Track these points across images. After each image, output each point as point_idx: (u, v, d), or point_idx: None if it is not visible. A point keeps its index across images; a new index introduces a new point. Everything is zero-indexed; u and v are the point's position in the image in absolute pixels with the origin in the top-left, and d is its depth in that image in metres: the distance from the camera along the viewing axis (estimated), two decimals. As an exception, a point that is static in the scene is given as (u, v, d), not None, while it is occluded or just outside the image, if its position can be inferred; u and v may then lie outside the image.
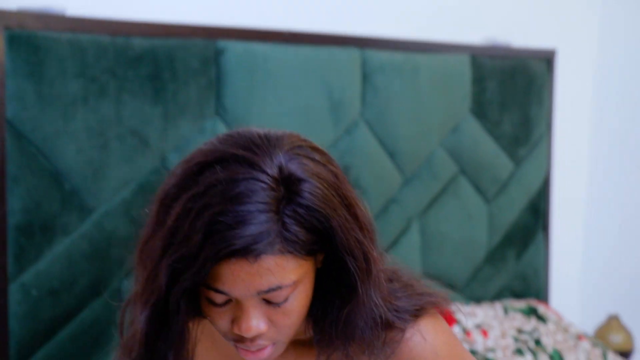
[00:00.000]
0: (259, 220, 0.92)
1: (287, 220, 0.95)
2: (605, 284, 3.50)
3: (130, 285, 1.07)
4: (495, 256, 2.99)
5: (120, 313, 1.10)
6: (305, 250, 0.98)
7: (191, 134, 2.02)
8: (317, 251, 1.01)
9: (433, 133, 2.68)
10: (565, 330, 2.90)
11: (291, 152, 0.99)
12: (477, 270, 2.93)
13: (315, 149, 1.02)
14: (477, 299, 2.92)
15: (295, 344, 1.14)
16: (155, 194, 1.05)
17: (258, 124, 2.15)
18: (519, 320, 2.84)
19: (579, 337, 2.90)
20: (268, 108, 2.18)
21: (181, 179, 0.98)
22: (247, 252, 0.92)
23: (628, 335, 3.21)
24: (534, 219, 3.16)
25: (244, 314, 0.98)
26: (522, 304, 2.93)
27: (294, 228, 0.95)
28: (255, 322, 0.98)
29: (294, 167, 0.97)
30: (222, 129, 2.08)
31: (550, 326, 2.86)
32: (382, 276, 1.08)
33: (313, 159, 1.00)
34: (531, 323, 2.83)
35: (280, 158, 0.97)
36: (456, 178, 2.78)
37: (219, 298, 0.98)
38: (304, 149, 1.01)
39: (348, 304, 1.03)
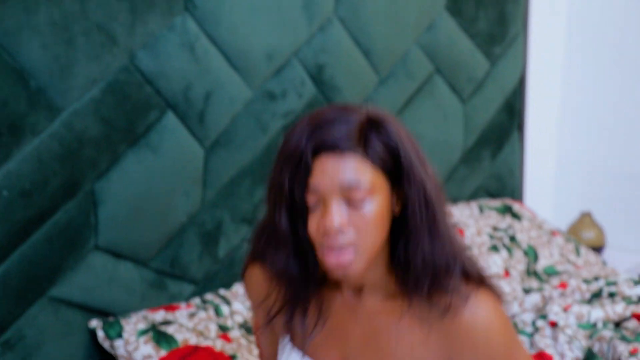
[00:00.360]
0: (347, 130, 1.17)
1: (369, 136, 1.18)
2: (578, 182, 3.53)
3: None
4: (470, 156, 2.99)
5: (256, 232, 1.34)
6: (381, 163, 1.18)
7: (160, 30, 1.96)
8: (391, 175, 1.20)
9: (408, 31, 2.63)
10: (540, 227, 2.93)
11: (377, 109, 1.24)
12: (453, 170, 2.94)
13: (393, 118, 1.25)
14: (453, 199, 2.94)
15: (385, 299, 1.29)
16: None
17: (228, 22, 2.11)
18: (494, 218, 2.86)
19: (553, 233, 2.94)
20: (239, 5, 2.12)
21: (296, 124, 1.22)
22: (335, 146, 1.16)
23: (600, 231, 3.25)
24: (509, 119, 3.15)
25: (328, 210, 1.16)
26: (497, 202, 2.95)
27: (374, 142, 1.18)
28: (338, 216, 1.16)
29: (380, 115, 1.22)
30: (192, 27, 2.03)
31: (525, 223, 2.89)
32: (452, 231, 1.25)
33: (393, 118, 1.23)
34: (506, 221, 2.85)
35: (370, 110, 1.22)
36: (432, 77, 2.75)
37: (311, 199, 1.18)
38: (384, 111, 1.25)
39: (411, 227, 1.21)
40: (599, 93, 3.40)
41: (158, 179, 2.01)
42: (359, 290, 1.30)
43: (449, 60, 2.79)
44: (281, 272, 1.28)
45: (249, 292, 1.40)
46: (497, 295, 1.26)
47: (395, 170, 1.21)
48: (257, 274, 1.37)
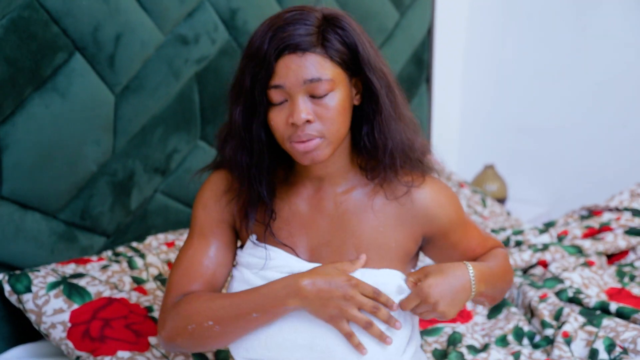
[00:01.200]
0: (305, 29, 1.29)
1: (327, 35, 1.31)
2: (482, 135, 3.59)
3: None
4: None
5: (219, 130, 1.46)
6: (339, 58, 1.31)
7: (67, -34, 1.84)
8: (349, 69, 1.33)
9: (320, -22, 2.58)
10: (448, 178, 2.97)
11: (331, 9, 1.36)
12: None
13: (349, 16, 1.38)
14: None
15: (348, 187, 1.44)
16: None
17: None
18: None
19: (460, 184, 2.98)
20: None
21: (257, 28, 1.34)
22: (296, 47, 1.28)
23: (502, 183, 3.33)
24: (418, 71, 3.16)
25: (295, 105, 1.30)
26: (406, 154, 2.96)
27: (332, 39, 1.30)
28: (304, 110, 1.30)
29: (334, 12, 1.34)
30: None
31: (433, 175, 2.91)
32: (408, 114, 1.43)
33: (346, 14, 1.36)
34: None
35: (325, 9, 1.35)
36: (343, 26, 2.71)
37: (277, 96, 1.31)
38: (337, 9, 1.38)
39: (379, 112, 1.35)
40: (503, 46, 3.46)
41: (66, 125, 1.90)
42: (320, 181, 1.44)
43: (359, 9, 2.75)
44: (232, 161, 1.40)
45: (209, 189, 1.49)
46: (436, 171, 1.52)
47: (353, 63, 1.33)
48: (221, 177, 1.48)
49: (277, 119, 1.33)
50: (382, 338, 1.37)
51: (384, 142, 1.38)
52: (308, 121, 1.31)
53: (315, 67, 1.30)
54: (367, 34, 1.37)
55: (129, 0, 1.99)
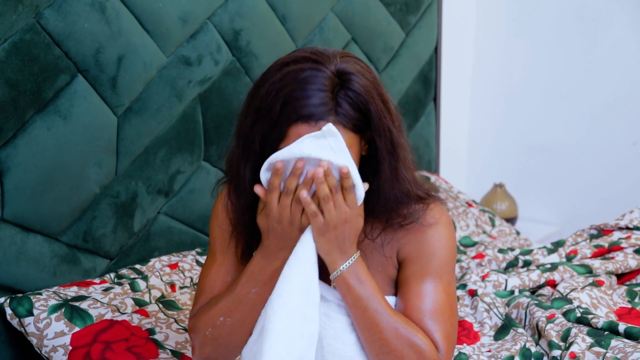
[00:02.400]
0: (319, 97, 1.27)
1: (340, 100, 1.28)
2: (491, 154, 3.57)
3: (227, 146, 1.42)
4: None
5: (226, 161, 1.43)
6: (352, 124, 1.29)
7: (68, -11, 1.85)
8: (361, 131, 1.32)
9: (324, -2, 2.58)
10: (456, 198, 2.95)
11: (345, 57, 1.33)
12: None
13: (359, 59, 1.36)
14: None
15: None
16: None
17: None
18: (410, 189, 2.86)
19: (469, 204, 2.96)
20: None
21: (265, 73, 1.32)
22: (310, 117, 1.27)
23: (512, 202, 3.30)
24: (425, 90, 3.15)
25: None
26: (413, 174, 2.94)
27: (345, 106, 1.28)
28: None
29: (346, 66, 1.31)
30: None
31: (441, 195, 2.89)
32: (409, 159, 1.39)
33: (359, 64, 1.33)
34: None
35: (337, 60, 1.31)
36: (348, 46, 2.71)
37: None
38: (353, 57, 1.34)
39: (377, 174, 1.35)
40: (511, 65, 3.44)
41: (68, 147, 1.90)
42: None
43: (364, 29, 2.75)
44: (238, 218, 1.41)
45: (221, 206, 1.49)
46: (444, 202, 1.47)
47: (364, 122, 1.32)
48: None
49: None
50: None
51: (374, 203, 1.38)
52: None
53: None
54: (378, 83, 1.34)
55: (131, 22, 1.99)
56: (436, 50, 3.17)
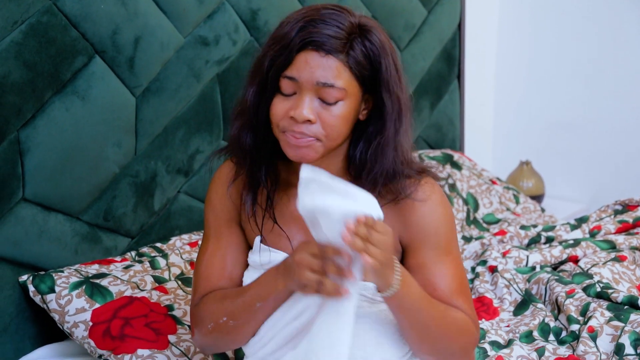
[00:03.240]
0: (336, 32, 1.28)
1: (355, 44, 1.29)
2: (518, 132, 3.54)
3: None
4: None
5: (233, 108, 1.44)
6: (358, 71, 1.30)
7: (84, -29, 1.87)
8: (364, 84, 1.32)
9: (344, -24, 2.57)
10: (479, 175, 2.93)
11: (369, 19, 1.36)
12: (392, 120, 2.90)
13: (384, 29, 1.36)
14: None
15: None
16: None
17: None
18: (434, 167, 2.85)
19: (492, 181, 2.94)
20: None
21: (292, 13, 1.34)
22: (321, 46, 1.28)
23: (539, 180, 3.27)
24: (448, 68, 3.13)
25: (302, 101, 1.29)
26: (437, 152, 2.93)
27: (357, 50, 1.29)
28: (308, 109, 1.29)
29: (370, 24, 1.33)
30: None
31: (465, 172, 2.88)
32: (410, 128, 1.38)
33: (382, 30, 1.35)
34: (446, 170, 2.84)
35: (363, 17, 1.34)
36: (369, 24, 2.70)
37: (287, 87, 1.31)
38: (376, 22, 1.37)
39: (381, 135, 1.34)
40: (536, 41, 3.41)
41: (87, 127, 1.93)
42: None
43: (385, 7, 2.74)
44: (236, 140, 1.40)
45: (214, 190, 1.51)
46: (437, 177, 1.45)
47: (371, 80, 1.33)
48: (225, 170, 1.50)
49: (279, 106, 1.32)
50: (336, 292, 1.24)
51: (372, 165, 1.37)
52: (309, 121, 1.30)
53: (332, 72, 1.29)
54: (395, 53, 1.35)
55: (148, 3, 2.01)
56: (459, 28, 3.14)
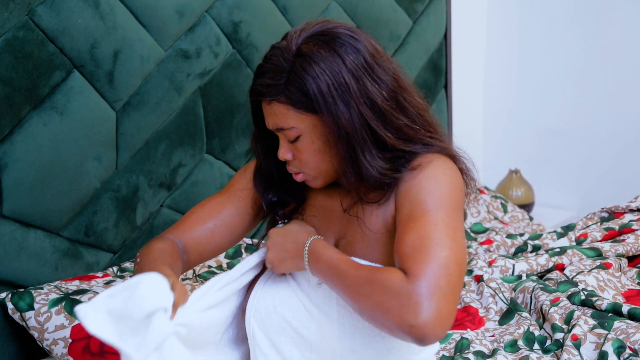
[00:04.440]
0: (271, 77, 1.32)
1: (290, 84, 1.31)
2: (507, 140, 3.53)
3: None
4: (396, 116, 2.95)
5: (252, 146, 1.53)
6: (303, 107, 1.32)
7: (60, -14, 1.86)
8: (316, 111, 1.32)
9: (326, -13, 2.57)
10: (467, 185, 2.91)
11: (313, 38, 1.33)
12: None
13: (337, 37, 1.33)
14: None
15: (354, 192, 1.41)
16: None
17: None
18: (421, 177, 2.84)
19: (480, 190, 2.93)
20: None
21: None
22: (263, 95, 1.34)
23: (529, 188, 3.26)
24: (435, 78, 3.12)
25: (280, 144, 1.40)
26: (424, 162, 2.92)
27: (293, 89, 1.31)
28: (283, 151, 1.39)
29: (308, 50, 1.31)
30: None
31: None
32: (368, 138, 1.33)
33: (330, 47, 1.31)
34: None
35: (302, 41, 1.33)
36: (353, 35, 2.69)
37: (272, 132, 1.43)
38: (327, 36, 1.33)
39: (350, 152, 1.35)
40: (524, 50, 3.41)
41: (67, 142, 1.92)
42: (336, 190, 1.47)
43: (369, 18, 2.74)
44: (266, 200, 1.52)
45: (253, 164, 1.57)
46: (453, 157, 1.41)
47: (315, 104, 1.33)
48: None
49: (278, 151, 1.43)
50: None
51: (366, 177, 1.37)
52: (288, 160, 1.41)
53: (278, 116, 1.35)
54: (343, 64, 1.31)
55: (126, 16, 2.01)
56: (445, 38, 3.14)
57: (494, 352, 1.83)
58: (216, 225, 1.53)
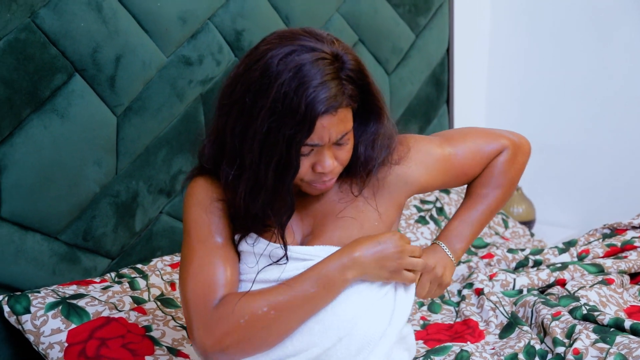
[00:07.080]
0: (333, 86, 1.30)
1: (344, 81, 1.32)
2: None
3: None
4: (397, 130, 2.94)
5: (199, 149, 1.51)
6: (354, 101, 1.35)
7: (64, -12, 1.86)
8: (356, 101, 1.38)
9: (329, -3, 2.57)
10: (468, 199, 2.90)
11: (332, 38, 1.36)
12: (380, 143, 2.88)
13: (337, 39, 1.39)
14: (381, 172, 2.89)
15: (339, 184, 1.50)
16: (228, 88, 1.40)
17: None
18: (422, 191, 2.83)
19: (482, 205, 2.91)
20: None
21: (266, 69, 1.30)
22: (331, 108, 1.30)
23: (530, 205, 3.25)
24: (437, 92, 3.12)
25: (324, 156, 1.36)
26: (425, 176, 2.91)
27: (349, 86, 1.33)
28: (331, 161, 1.36)
29: (341, 48, 1.35)
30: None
31: (453, 196, 2.86)
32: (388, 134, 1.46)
33: (345, 45, 1.38)
34: (434, 193, 2.82)
35: (333, 46, 1.34)
36: (355, 47, 2.70)
37: (307, 149, 1.34)
38: (338, 40, 1.38)
39: (378, 124, 1.42)
40: (527, 66, 3.40)
41: (67, 146, 1.91)
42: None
43: (372, 31, 2.74)
44: (259, 215, 1.39)
45: (203, 193, 1.45)
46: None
47: (361, 90, 1.38)
48: (206, 181, 1.46)
49: (304, 167, 1.37)
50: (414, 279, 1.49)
51: (368, 158, 1.45)
52: (334, 168, 1.39)
53: (344, 121, 1.34)
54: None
55: (129, 21, 2.00)
56: (448, 53, 3.14)
57: (494, 365, 1.81)
58: (231, 271, 1.42)
